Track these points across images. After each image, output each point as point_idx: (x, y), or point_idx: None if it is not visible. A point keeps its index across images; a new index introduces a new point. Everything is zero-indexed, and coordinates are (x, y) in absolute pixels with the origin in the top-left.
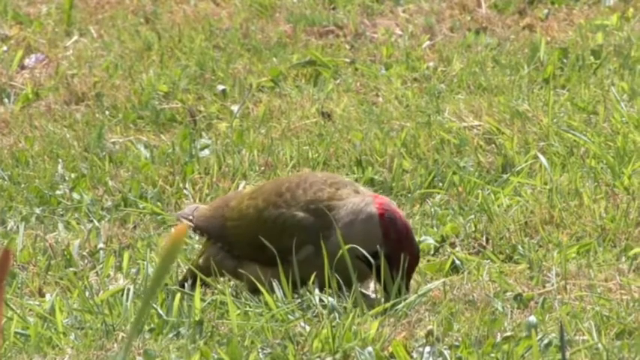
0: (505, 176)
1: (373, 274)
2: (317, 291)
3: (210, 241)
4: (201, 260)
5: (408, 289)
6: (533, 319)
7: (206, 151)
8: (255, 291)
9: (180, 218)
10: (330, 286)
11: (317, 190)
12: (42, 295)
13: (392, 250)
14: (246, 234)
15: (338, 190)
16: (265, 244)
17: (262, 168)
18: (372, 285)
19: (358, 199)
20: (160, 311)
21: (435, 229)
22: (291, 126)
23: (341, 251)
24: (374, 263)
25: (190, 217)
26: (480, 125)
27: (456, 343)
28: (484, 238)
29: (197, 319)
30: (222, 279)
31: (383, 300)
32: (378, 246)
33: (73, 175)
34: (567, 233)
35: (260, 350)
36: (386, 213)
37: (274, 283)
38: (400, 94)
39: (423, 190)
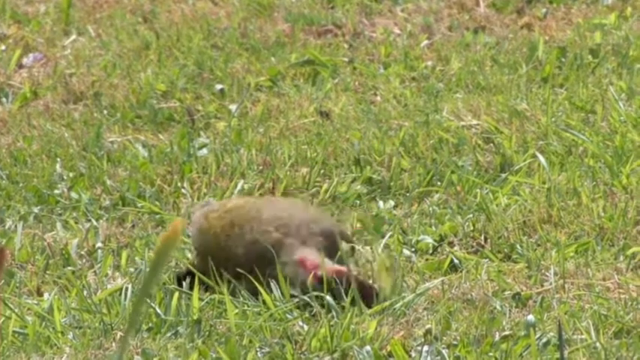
0: (503, 175)
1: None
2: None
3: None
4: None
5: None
6: (531, 318)
7: (204, 151)
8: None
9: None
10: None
11: (264, 232)
12: (40, 294)
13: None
14: (204, 249)
15: (285, 237)
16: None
17: (260, 167)
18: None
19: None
20: (158, 310)
21: (434, 228)
22: (289, 125)
23: None
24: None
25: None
26: (478, 124)
27: (455, 342)
28: (482, 237)
29: (195, 318)
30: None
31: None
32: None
33: (71, 175)
34: (565, 232)
35: (258, 349)
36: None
37: (271, 283)
38: (398, 94)
39: (422, 189)
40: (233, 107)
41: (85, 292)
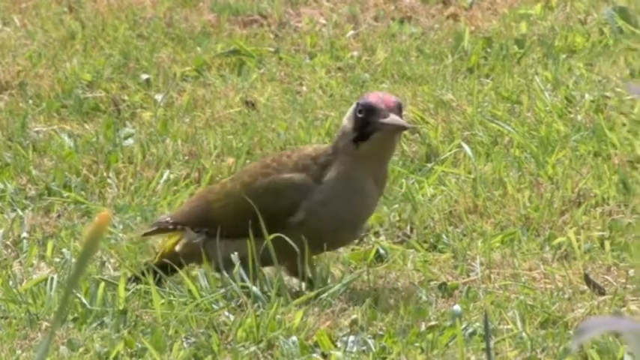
0: (429, 165)
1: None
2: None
3: (188, 230)
4: (178, 247)
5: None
6: (457, 308)
7: (130, 140)
8: (246, 266)
9: (158, 225)
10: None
11: (301, 150)
12: None
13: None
14: (235, 211)
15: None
16: (257, 213)
17: (186, 157)
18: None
19: None
20: (84, 300)
21: None
22: (215, 115)
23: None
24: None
25: (167, 219)
26: (404, 115)
27: (381, 332)
28: (408, 227)
29: (121, 308)
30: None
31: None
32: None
33: None
34: (491, 222)
35: (184, 339)
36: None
37: (199, 273)
38: (324, 84)
39: None
40: (159, 97)
41: (10, 283)
